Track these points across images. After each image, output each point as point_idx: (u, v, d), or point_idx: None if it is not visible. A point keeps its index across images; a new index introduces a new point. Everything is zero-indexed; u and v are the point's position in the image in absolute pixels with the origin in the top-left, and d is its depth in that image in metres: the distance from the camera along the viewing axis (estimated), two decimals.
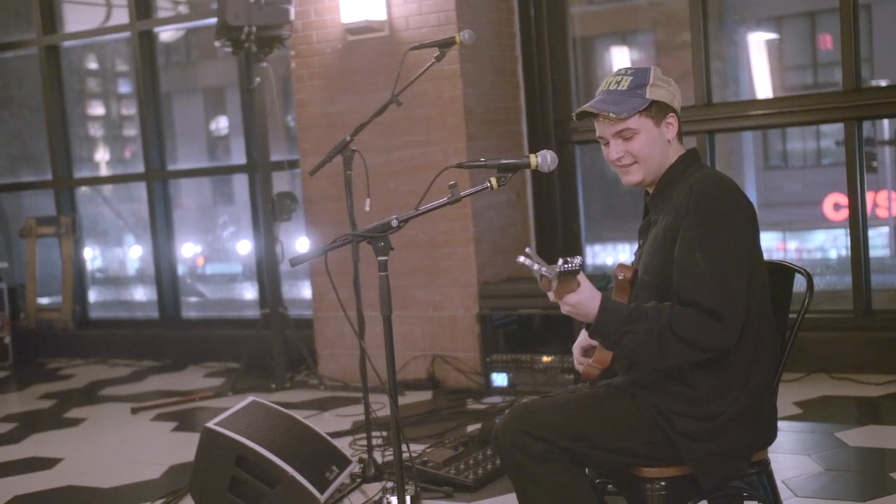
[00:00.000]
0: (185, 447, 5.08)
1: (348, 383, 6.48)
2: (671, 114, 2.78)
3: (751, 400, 2.66)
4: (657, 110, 2.75)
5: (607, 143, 2.79)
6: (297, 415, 4.36)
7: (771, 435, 2.78)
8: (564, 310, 2.59)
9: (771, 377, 2.75)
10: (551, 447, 2.63)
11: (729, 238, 2.60)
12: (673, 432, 2.62)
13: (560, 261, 2.47)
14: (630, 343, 2.57)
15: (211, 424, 4.00)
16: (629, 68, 2.82)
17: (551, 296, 2.56)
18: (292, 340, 6.75)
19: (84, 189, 9.06)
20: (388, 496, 4.00)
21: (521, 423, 2.67)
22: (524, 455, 2.65)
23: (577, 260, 2.48)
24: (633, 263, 2.89)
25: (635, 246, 2.97)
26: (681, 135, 2.83)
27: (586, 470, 2.75)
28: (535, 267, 2.48)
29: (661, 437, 2.64)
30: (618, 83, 2.78)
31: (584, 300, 2.56)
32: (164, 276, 8.23)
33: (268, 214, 6.62)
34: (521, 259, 2.49)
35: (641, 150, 2.76)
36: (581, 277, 2.55)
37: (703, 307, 2.55)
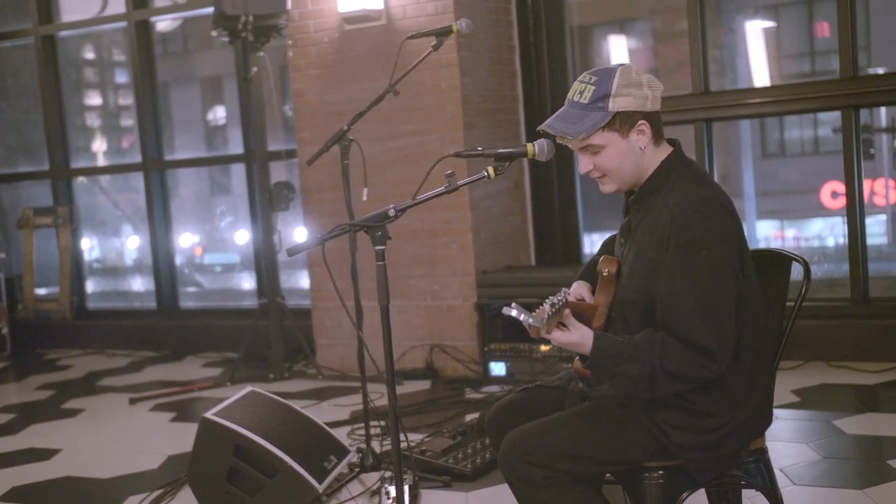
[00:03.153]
0: (183, 437, 5.09)
1: (346, 373, 6.49)
2: (641, 120, 2.64)
3: (751, 415, 2.64)
4: (622, 121, 2.62)
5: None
6: (296, 405, 4.37)
7: (767, 421, 2.77)
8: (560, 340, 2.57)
9: (771, 385, 2.74)
10: (551, 471, 2.59)
11: (712, 268, 2.53)
12: (670, 443, 2.60)
13: (546, 305, 2.47)
14: (622, 382, 2.57)
15: (209, 414, 4.00)
16: (594, 73, 2.66)
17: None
18: (290, 330, 6.75)
19: (81, 179, 9.05)
20: (386, 486, 4.00)
21: (517, 453, 2.62)
22: (526, 484, 2.61)
23: (560, 296, 2.50)
24: (616, 256, 2.83)
25: None
26: (660, 135, 2.70)
27: None
28: (522, 318, 2.45)
29: (657, 446, 2.62)
30: (581, 93, 2.64)
31: (576, 340, 2.55)
32: (162, 266, 8.23)
33: (265, 204, 6.61)
34: (506, 311, 2.42)
35: (609, 165, 2.66)
36: (571, 321, 2.54)
37: (693, 344, 2.51)
